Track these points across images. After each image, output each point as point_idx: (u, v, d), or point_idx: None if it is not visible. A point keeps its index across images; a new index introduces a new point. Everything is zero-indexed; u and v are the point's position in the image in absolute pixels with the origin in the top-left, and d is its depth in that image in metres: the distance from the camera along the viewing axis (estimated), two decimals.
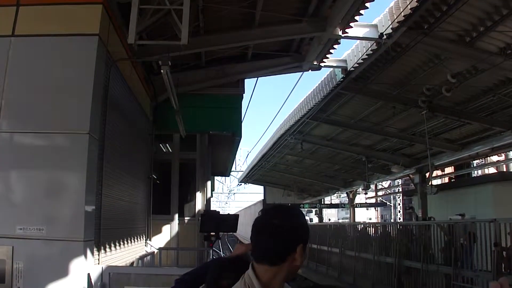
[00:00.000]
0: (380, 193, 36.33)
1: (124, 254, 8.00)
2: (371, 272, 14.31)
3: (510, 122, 13.15)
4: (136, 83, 8.85)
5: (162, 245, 10.81)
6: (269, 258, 1.84)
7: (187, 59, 10.11)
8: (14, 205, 5.28)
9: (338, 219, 58.20)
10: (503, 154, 21.28)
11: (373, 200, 36.34)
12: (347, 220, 41.26)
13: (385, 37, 9.05)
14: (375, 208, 51.54)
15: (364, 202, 36.09)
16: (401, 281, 12.75)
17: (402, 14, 8.49)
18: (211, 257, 9.15)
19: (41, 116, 5.52)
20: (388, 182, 35.71)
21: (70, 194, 5.35)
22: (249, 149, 68.46)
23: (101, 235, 6.35)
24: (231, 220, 7.36)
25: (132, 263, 8.24)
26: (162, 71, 6.72)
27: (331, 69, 12.08)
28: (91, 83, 5.59)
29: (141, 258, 8.56)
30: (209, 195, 13.87)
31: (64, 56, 5.72)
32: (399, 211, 45.56)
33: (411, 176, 20.50)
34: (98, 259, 6.24)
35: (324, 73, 13.01)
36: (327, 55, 10.49)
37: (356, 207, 32.24)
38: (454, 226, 10.99)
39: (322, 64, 10.81)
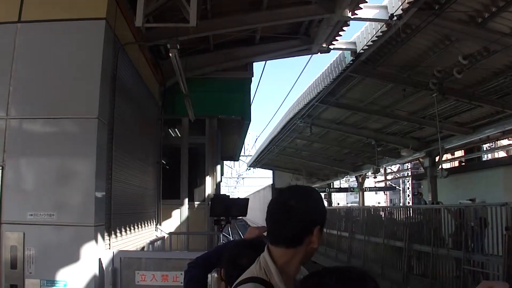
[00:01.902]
0: (389, 177, 36.18)
1: (135, 239, 8.03)
2: (381, 256, 14.30)
3: None
4: (144, 67, 8.81)
5: (172, 230, 10.82)
6: (285, 240, 1.80)
7: (195, 43, 10.03)
8: (25, 191, 5.29)
9: (347, 203, 58.24)
10: None
11: (382, 184, 36.23)
12: (356, 204, 41.29)
13: (395, 18, 8.94)
14: (384, 192, 51.54)
15: (373, 186, 36.02)
16: (411, 264, 12.74)
17: None
18: (221, 241, 9.16)
19: (49, 102, 5.50)
20: (397, 166, 35.61)
21: (80, 179, 5.35)
22: (258, 133, 68.39)
23: (112, 220, 6.36)
24: (241, 204, 7.30)
25: (143, 247, 8.27)
26: (170, 54, 6.66)
27: (340, 51, 11.99)
28: (99, 67, 5.55)
29: (152, 242, 8.57)
30: (218, 179, 13.84)
31: (72, 41, 5.67)
32: (408, 195, 45.51)
33: (420, 159, 20.42)
34: (109, 244, 6.26)
35: (333, 55, 12.93)
36: (336, 38, 10.38)
37: (365, 191, 32.21)
38: (464, 211, 10.92)
39: (331, 47, 10.70)
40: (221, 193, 19.08)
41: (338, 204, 51.31)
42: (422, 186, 26.49)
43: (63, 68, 5.59)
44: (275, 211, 1.87)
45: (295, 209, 1.80)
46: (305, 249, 1.81)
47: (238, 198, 8.81)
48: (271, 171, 39.63)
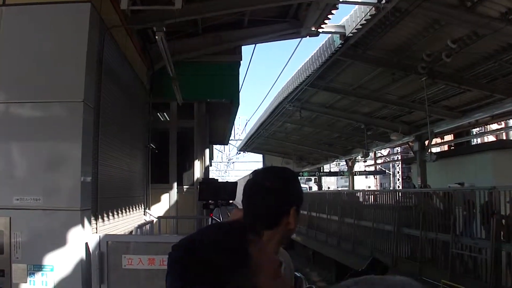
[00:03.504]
0: (379, 161, 36.37)
1: (123, 223, 8.02)
2: (370, 240, 14.41)
3: (510, 89, 13.05)
4: (131, 51, 8.72)
5: (161, 214, 10.83)
6: (261, 221, 1.80)
7: (183, 27, 9.94)
8: (10, 176, 5.23)
9: (338, 187, 58.48)
10: (503, 122, 21.23)
11: (372, 168, 36.40)
12: (346, 188, 41.50)
13: (384, 1, 8.92)
14: (374, 176, 51.76)
15: (363, 170, 36.17)
16: (400, 248, 12.84)
17: None
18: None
19: (34, 86, 5.42)
20: (387, 150, 35.75)
21: (66, 163, 5.30)
22: (248, 117, 68.38)
23: (99, 204, 6.34)
24: (230, 188, 7.32)
25: (131, 232, 8.27)
26: (157, 37, 6.61)
27: (329, 35, 11.94)
28: (85, 51, 5.48)
29: (140, 226, 8.58)
30: (207, 163, 13.84)
31: (57, 24, 5.58)
32: (398, 179, 45.76)
33: (410, 143, 20.48)
34: (96, 228, 6.24)
35: (322, 39, 12.89)
36: (325, 21, 10.32)
37: (355, 175, 32.33)
38: (452, 194, 10.99)
39: (320, 30, 10.65)
40: (212, 177, 19.06)
41: (329, 188, 51.57)
42: (412, 170, 26.62)
43: (48, 52, 5.50)
44: (251, 193, 1.86)
45: (270, 190, 1.80)
46: (282, 231, 1.80)
47: (227, 181, 8.82)
48: (261, 155, 39.68)
